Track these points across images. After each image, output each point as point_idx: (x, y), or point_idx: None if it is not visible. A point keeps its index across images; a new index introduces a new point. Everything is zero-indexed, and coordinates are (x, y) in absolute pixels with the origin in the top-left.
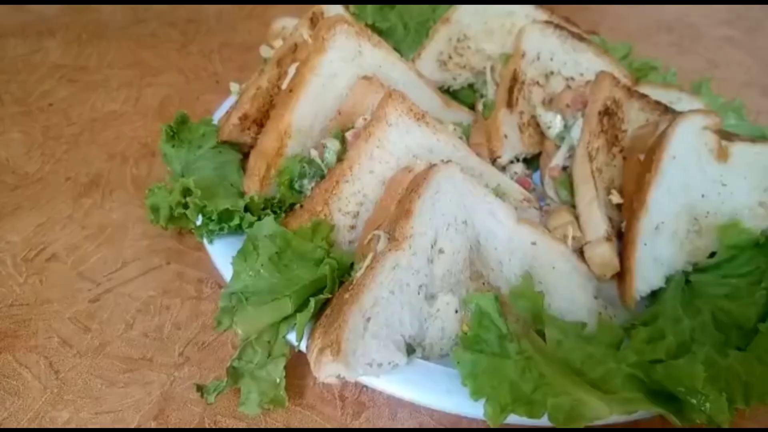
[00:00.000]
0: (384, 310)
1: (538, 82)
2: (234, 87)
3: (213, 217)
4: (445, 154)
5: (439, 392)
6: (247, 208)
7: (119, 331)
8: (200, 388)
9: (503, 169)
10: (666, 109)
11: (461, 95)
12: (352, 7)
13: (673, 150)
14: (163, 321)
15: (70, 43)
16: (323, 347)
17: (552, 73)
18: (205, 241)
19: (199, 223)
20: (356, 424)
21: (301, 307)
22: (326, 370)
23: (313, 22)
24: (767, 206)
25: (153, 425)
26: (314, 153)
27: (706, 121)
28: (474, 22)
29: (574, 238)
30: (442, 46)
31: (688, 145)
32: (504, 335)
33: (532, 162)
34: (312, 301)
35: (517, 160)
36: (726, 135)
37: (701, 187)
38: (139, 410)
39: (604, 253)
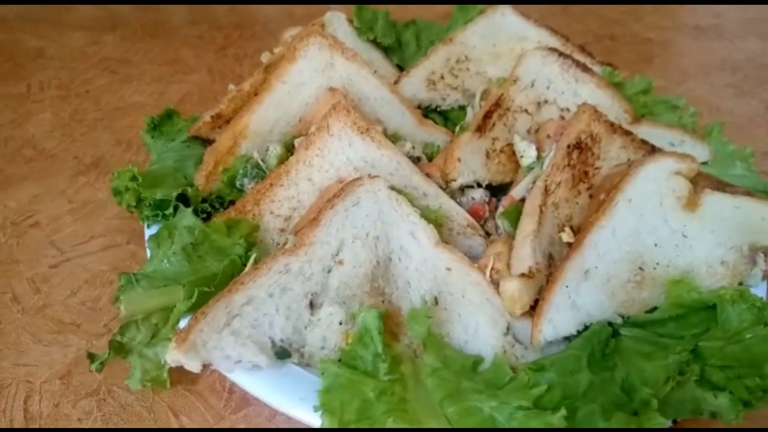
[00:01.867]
0: (256, 310)
1: (526, 110)
2: (231, 88)
3: (149, 204)
4: (389, 169)
5: (293, 398)
6: (186, 200)
7: (63, 297)
8: (90, 356)
9: (461, 192)
10: (652, 150)
11: (453, 116)
12: (356, 21)
13: (631, 193)
14: (102, 294)
15: (125, 39)
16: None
17: (546, 101)
18: (145, 225)
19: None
20: (234, 419)
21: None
22: (169, 355)
23: None
24: (729, 266)
25: (57, 384)
26: (256, 155)
27: (679, 165)
28: (481, 45)
29: (494, 269)
30: (437, 66)
31: (650, 189)
32: (378, 354)
33: (502, 190)
34: (196, 292)
35: (479, 186)
36: (717, 184)
37: (656, 236)
38: (50, 368)
39: (513, 289)
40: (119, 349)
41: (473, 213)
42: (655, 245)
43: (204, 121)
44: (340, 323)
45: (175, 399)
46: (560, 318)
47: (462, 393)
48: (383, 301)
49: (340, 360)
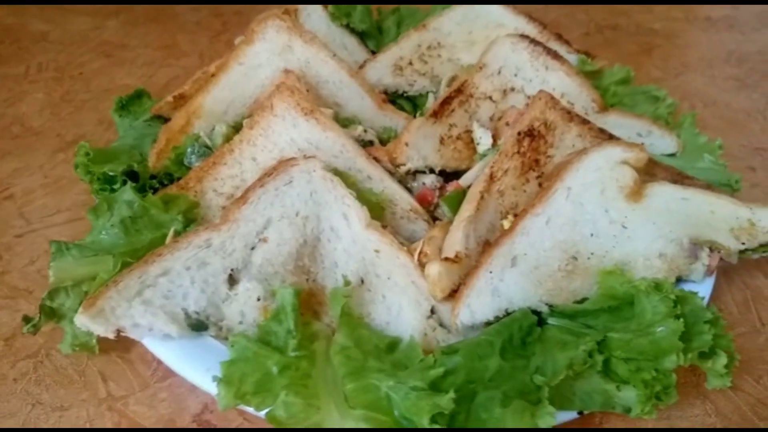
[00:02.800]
0: (170, 282)
1: (490, 97)
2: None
3: (98, 178)
4: (333, 152)
5: (200, 368)
6: (135, 176)
7: (22, 265)
8: (25, 319)
9: (413, 177)
10: (611, 137)
11: (422, 102)
12: (330, 6)
13: (572, 181)
14: None
15: (126, 24)
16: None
17: (513, 89)
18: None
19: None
20: (158, 387)
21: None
22: (77, 319)
23: None
24: (667, 259)
25: (1, 345)
26: (203, 134)
27: (626, 154)
28: (456, 31)
29: (423, 253)
30: (407, 52)
31: (592, 177)
32: (290, 330)
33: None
34: (119, 263)
35: (432, 172)
36: (676, 175)
37: (594, 226)
38: None
39: (434, 272)
40: (50, 313)
41: (422, 198)
42: (592, 235)
43: (166, 101)
44: (258, 299)
45: (106, 365)
46: (479, 303)
47: (365, 371)
48: (307, 280)
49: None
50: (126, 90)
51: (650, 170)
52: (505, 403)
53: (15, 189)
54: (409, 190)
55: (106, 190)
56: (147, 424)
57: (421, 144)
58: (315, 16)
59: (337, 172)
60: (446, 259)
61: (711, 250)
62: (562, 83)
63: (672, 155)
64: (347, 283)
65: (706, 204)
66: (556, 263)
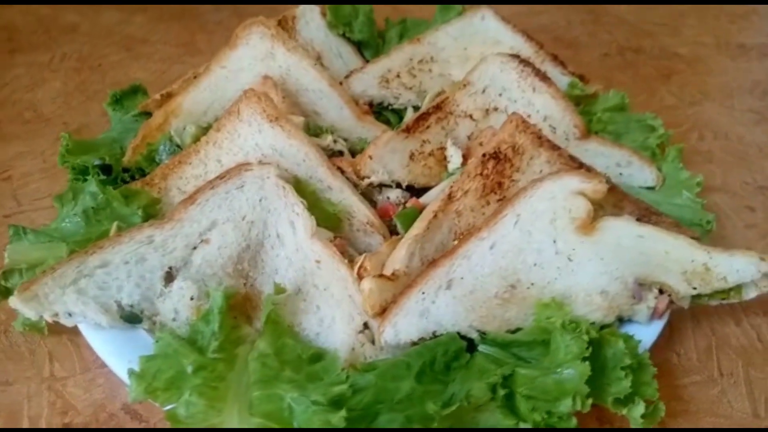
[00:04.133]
0: (107, 274)
1: (471, 116)
2: None
3: (73, 168)
4: (296, 160)
5: (122, 360)
6: (109, 169)
7: (2, 245)
8: None
9: (378, 190)
10: (581, 166)
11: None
12: (329, 15)
13: (522, 207)
14: None
15: (151, 20)
16: None
17: (496, 109)
18: None
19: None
20: (96, 372)
21: None
22: (11, 300)
23: (281, 24)
24: (608, 297)
25: None
26: (173, 133)
27: (584, 185)
28: (452, 47)
29: (363, 267)
30: (396, 64)
31: (544, 206)
32: (214, 332)
33: None
34: (67, 251)
35: (398, 186)
36: (644, 210)
37: (539, 256)
38: None
39: (365, 288)
40: (5, 292)
41: (383, 212)
42: (535, 264)
43: (153, 98)
44: (192, 298)
45: (56, 346)
46: (405, 322)
47: (275, 380)
48: (245, 284)
49: None
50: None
51: (618, 203)
52: (434, 415)
53: (14, 171)
54: (375, 203)
55: (80, 180)
56: (80, 407)
57: (387, 158)
58: (313, 24)
59: (297, 180)
60: (381, 276)
61: (661, 292)
62: (547, 106)
63: (651, 188)
64: (281, 290)
65: (662, 244)
66: (494, 290)
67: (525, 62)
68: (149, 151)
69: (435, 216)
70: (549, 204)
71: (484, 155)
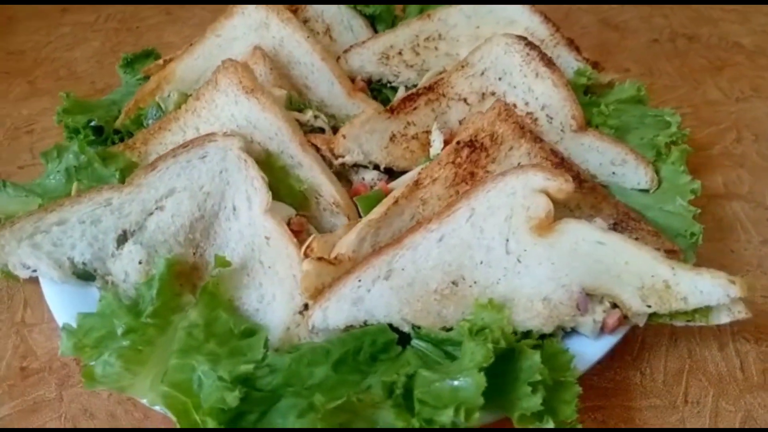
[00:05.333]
0: (62, 232)
1: (465, 99)
2: None
3: (67, 127)
4: (269, 133)
5: (67, 314)
6: (100, 130)
7: None
8: None
9: (355, 170)
10: (561, 161)
11: None
12: None
13: (478, 202)
14: None
15: None
16: None
17: (493, 93)
18: None
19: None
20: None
21: None
22: None
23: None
24: (550, 305)
25: None
26: (159, 98)
27: (548, 182)
28: (463, 24)
29: (310, 248)
30: (401, 40)
31: (501, 202)
32: (152, 298)
33: None
34: (38, 205)
35: (377, 168)
36: (622, 215)
37: (488, 254)
38: None
39: (304, 270)
40: None
41: (355, 193)
42: (482, 263)
43: (156, 63)
44: (140, 262)
45: (32, 294)
46: (336, 308)
47: (195, 351)
48: (194, 254)
49: None
50: (167, 47)
51: (597, 204)
52: (302, 414)
53: (37, 126)
54: (352, 183)
55: (72, 138)
56: (38, 353)
57: (364, 138)
58: None
59: (267, 154)
60: (321, 258)
61: (614, 306)
62: (547, 94)
63: (646, 191)
64: (223, 263)
65: (623, 253)
66: (434, 285)
67: (532, 45)
68: (137, 115)
69: (396, 202)
70: (507, 200)
71: (458, 143)
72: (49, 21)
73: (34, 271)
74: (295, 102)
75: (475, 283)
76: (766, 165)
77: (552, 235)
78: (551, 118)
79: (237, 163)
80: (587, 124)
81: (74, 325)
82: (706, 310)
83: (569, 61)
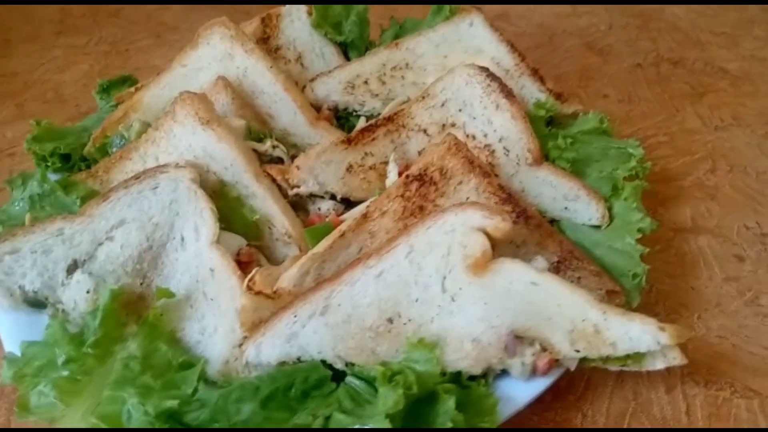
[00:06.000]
0: (14, 261)
1: (425, 130)
2: None
3: (35, 154)
4: (224, 163)
5: (13, 342)
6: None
7: None
8: None
9: (311, 200)
10: (509, 198)
11: None
12: (315, 14)
13: (417, 239)
14: None
15: (186, 8)
16: None
17: (453, 125)
18: None
19: None
20: None
21: None
22: None
23: (264, 22)
24: (479, 346)
25: None
26: (122, 128)
27: (486, 221)
28: (431, 54)
29: (252, 281)
30: (368, 69)
31: (439, 240)
32: (95, 328)
33: None
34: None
35: (334, 198)
36: (567, 253)
37: (423, 292)
38: None
39: (241, 304)
40: None
41: (309, 224)
42: (417, 300)
43: (128, 91)
44: (88, 291)
45: None
46: (269, 344)
47: (128, 384)
48: (141, 284)
49: None
50: (152, 71)
51: (542, 241)
52: None
53: (18, 148)
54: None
55: (40, 165)
56: None
57: (319, 169)
58: (298, 23)
59: (222, 184)
60: (259, 293)
61: (545, 349)
62: (505, 126)
63: (598, 227)
64: (165, 294)
65: (556, 296)
66: (370, 322)
67: (493, 76)
68: (103, 144)
69: (343, 235)
70: (446, 237)
71: (407, 176)
72: (42, 44)
73: None
74: (254, 132)
75: (409, 320)
76: (737, 197)
77: (487, 275)
78: (508, 151)
79: (187, 194)
80: (545, 157)
81: (18, 353)
82: (639, 356)
83: (533, 92)
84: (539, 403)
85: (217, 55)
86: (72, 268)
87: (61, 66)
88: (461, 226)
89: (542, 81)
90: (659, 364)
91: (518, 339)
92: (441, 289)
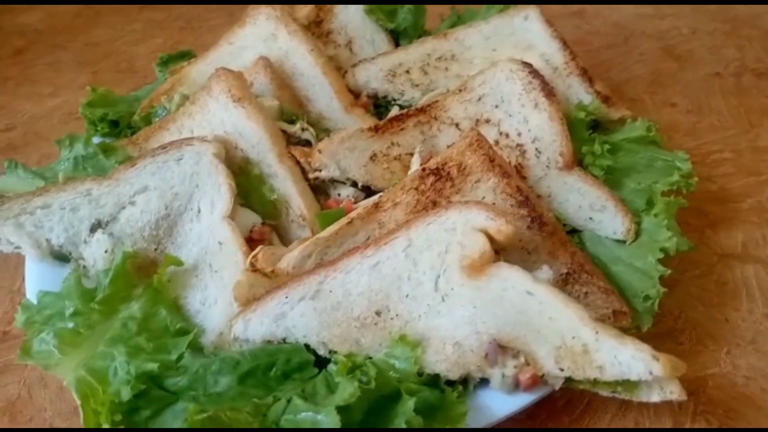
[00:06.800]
0: (45, 215)
1: (457, 124)
2: None
3: (88, 119)
4: (251, 141)
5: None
6: (117, 123)
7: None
8: None
9: (332, 185)
10: (525, 201)
11: None
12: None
13: (416, 234)
14: None
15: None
16: None
17: (487, 121)
18: None
19: None
20: None
21: None
22: None
23: (319, 5)
24: (459, 351)
25: None
26: (165, 100)
27: (489, 222)
28: (480, 46)
29: (255, 257)
30: (410, 59)
31: (438, 237)
32: (105, 286)
33: None
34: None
35: (355, 185)
36: (578, 264)
37: (415, 288)
38: None
39: (237, 279)
40: None
41: (327, 208)
42: (407, 296)
43: (181, 65)
44: (106, 251)
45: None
46: (257, 321)
47: (122, 342)
48: (155, 249)
49: None
50: None
51: (554, 251)
52: (188, 419)
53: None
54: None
55: (91, 129)
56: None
57: (342, 155)
58: (352, 8)
59: (246, 161)
60: (256, 270)
61: (527, 363)
62: (541, 127)
63: (622, 242)
64: (172, 261)
65: (550, 308)
66: (358, 312)
67: (535, 73)
68: (147, 113)
69: (350, 222)
70: (445, 235)
71: (424, 169)
72: (126, 17)
73: (18, 247)
74: (287, 113)
75: (397, 315)
76: None
77: (482, 278)
78: (540, 152)
79: (209, 168)
80: (579, 163)
81: (35, 301)
82: (630, 384)
83: (579, 92)
84: (529, 419)
85: (262, 34)
86: (95, 227)
87: (139, 38)
88: (463, 225)
89: (591, 82)
90: (654, 397)
91: (502, 349)
92: (433, 288)
